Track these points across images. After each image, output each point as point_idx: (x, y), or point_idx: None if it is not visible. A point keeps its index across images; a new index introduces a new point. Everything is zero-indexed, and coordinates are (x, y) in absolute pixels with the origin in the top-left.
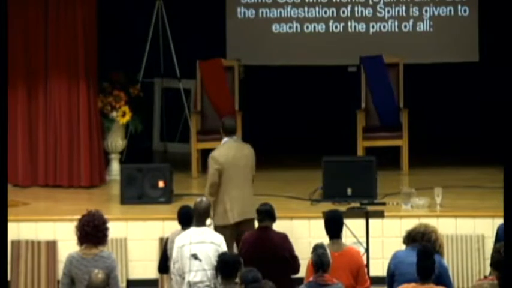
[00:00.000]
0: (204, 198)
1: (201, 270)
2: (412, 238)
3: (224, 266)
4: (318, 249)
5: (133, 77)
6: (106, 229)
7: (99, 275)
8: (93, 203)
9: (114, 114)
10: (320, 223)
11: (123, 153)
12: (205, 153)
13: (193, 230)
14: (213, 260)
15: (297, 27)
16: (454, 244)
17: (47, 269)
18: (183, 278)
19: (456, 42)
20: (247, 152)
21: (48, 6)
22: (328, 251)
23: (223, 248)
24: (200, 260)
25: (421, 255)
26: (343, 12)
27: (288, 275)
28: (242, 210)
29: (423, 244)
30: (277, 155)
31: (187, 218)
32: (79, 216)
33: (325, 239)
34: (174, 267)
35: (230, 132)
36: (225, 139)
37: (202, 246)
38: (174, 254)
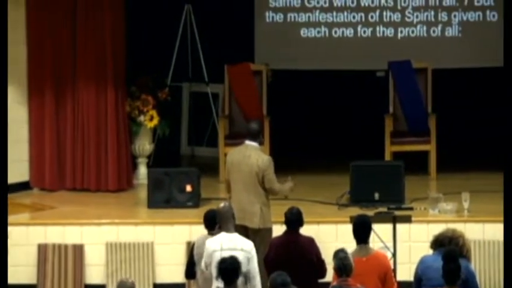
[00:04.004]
0: (227, 203)
1: None
2: (440, 243)
3: (225, 273)
4: (339, 253)
5: (161, 81)
6: None
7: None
8: (120, 207)
9: (142, 118)
10: (347, 228)
11: (150, 157)
12: None
13: (223, 236)
14: (243, 267)
15: (325, 31)
16: (482, 249)
17: (73, 273)
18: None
19: (485, 47)
20: (253, 161)
21: (76, 11)
22: (349, 254)
23: (253, 254)
24: None
25: (446, 258)
26: (372, 17)
27: (314, 279)
28: (237, 216)
29: (448, 247)
30: (304, 159)
31: (214, 222)
32: (107, 220)
33: (352, 244)
34: (206, 269)
35: (248, 136)
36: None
37: (233, 253)
38: (206, 257)
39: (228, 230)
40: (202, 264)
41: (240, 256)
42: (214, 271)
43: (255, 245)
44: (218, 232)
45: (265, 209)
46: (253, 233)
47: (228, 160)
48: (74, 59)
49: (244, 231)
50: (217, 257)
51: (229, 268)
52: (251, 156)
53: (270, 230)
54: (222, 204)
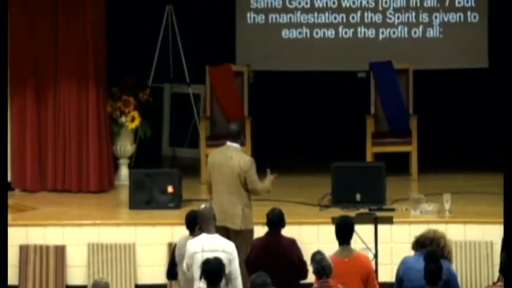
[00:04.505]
0: (208, 204)
1: None
2: (421, 244)
3: (208, 274)
4: (316, 256)
5: (142, 82)
6: None
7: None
8: (101, 208)
9: (123, 119)
10: (329, 229)
11: (132, 158)
12: None
13: (204, 237)
14: (224, 269)
15: (306, 32)
16: (463, 250)
17: (55, 274)
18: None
19: (466, 48)
20: (234, 162)
21: (58, 11)
22: (326, 255)
23: (235, 255)
24: None
25: (427, 259)
26: (353, 18)
27: (296, 280)
28: (218, 217)
29: (430, 248)
30: (286, 161)
31: (195, 224)
32: (88, 221)
33: (334, 245)
34: (188, 270)
35: (229, 137)
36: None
37: (214, 254)
38: (188, 259)
39: (208, 231)
40: (184, 265)
41: (222, 257)
42: (195, 272)
43: (237, 246)
44: (199, 233)
45: (247, 210)
46: (234, 234)
47: (209, 161)
48: (55, 60)
49: (226, 232)
50: (199, 258)
51: (213, 269)
52: (233, 157)
53: (251, 231)
54: (202, 206)
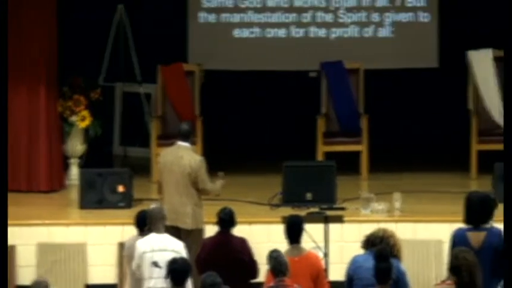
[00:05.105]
0: (158, 204)
1: (162, 278)
2: (371, 243)
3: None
4: (272, 253)
5: (93, 81)
6: None
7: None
8: (52, 207)
9: (73, 118)
10: (279, 228)
11: (82, 158)
12: None
13: (153, 237)
14: (190, 269)
15: (258, 32)
16: (412, 249)
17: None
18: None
19: (416, 48)
20: (185, 162)
21: (8, 9)
22: (282, 253)
23: (184, 255)
24: (161, 268)
25: (377, 258)
26: (305, 17)
27: (246, 279)
28: (169, 217)
29: (379, 247)
30: (237, 160)
31: (145, 223)
32: (38, 221)
33: (284, 244)
34: (138, 270)
35: (180, 136)
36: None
37: (164, 254)
38: (137, 259)
39: (158, 231)
40: (133, 265)
41: (171, 257)
42: (145, 272)
43: (188, 246)
44: (148, 233)
45: (197, 209)
46: (185, 233)
47: (160, 161)
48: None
49: (177, 232)
50: (148, 257)
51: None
52: (183, 157)
53: (202, 231)
54: (152, 205)
